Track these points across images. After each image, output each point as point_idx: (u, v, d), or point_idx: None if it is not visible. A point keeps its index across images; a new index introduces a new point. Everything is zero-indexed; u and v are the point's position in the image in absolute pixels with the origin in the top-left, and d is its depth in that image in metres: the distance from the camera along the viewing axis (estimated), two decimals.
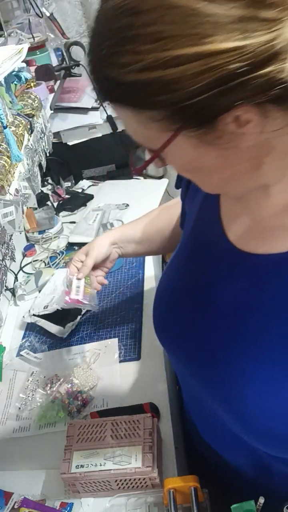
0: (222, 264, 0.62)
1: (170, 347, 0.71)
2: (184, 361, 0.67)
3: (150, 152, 0.52)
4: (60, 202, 1.77)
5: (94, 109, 1.80)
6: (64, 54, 1.92)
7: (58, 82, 1.69)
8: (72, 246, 1.54)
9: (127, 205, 1.64)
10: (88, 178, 1.91)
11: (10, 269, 1.42)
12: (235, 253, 0.60)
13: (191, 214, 0.72)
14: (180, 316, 0.68)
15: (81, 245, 1.53)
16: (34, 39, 1.58)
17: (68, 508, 0.83)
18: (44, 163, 1.38)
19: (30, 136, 1.23)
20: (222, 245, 0.62)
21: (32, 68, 1.51)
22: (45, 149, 1.41)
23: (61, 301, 0.93)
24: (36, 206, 1.68)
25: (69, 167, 1.89)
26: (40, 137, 1.35)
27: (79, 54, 1.91)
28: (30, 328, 1.25)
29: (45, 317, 1.22)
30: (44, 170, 1.62)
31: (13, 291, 1.38)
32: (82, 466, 0.81)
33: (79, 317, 1.24)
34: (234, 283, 0.60)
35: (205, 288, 0.64)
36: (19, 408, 1.04)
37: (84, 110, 1.79)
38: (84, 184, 1.86)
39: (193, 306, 0.66)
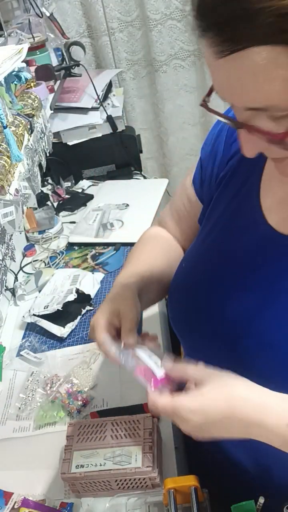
0: (261, 248, 0.62)
1: (198, 336, 0.69)
2: (217, 350, 0.66)
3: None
4: (60, 202, 1.77)
5: (94, 109, 1.80)
6: (64, 54, 1.92)
7: (58, 82, 1.69)
8: (72, 246, 1.54)
9: (127, 205, 1.64)
10: (88, 178, 1.91)
11: (10, 269, 1.42)
12: (276, 237, 0.60)
13: (220, 203, 0.71)
14: (209, 307, 0.67)
15: (81, 245, 1.54)
16: (34, 39, 1.58)
17: (68, 508, 0.83)
18: (44, 163, 1.38)
19: (30, 136, 1.23)
20: (261, 229, 0.62)
21: (32, 68, 1.51)
22: (45, 149, 1.41)
23: (141, 381, 0.70)
24: (36, 206, 1.68)
25: (69, 167, 1.89)
26: (40, 137, 1.34)
27: (79, 54, 1.91)
28: (30, 328, 1.25)
29: (45, 317, 1.22)
30: (44, 170, 1.62)
31: (13, 291, 1.38)
32: (82, 466, 0.81)
33: (79, 317, 1.24)
34: (274, 267, 0.60)
35: (242, 272, 0.64)
36: (19, 408, 1.04)
37: (84, 110, 1.79)
38: (84, 184, 1.86)
39: (225, 294, 0.65)
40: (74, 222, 1.65)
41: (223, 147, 0.71)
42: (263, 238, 0.62)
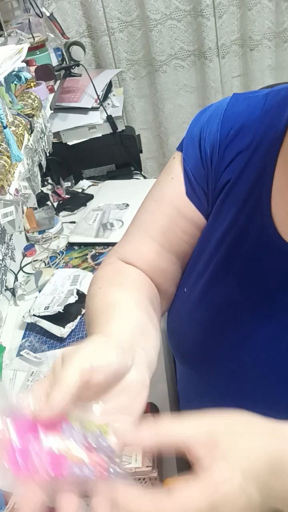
0: (280, 267, 0.57)
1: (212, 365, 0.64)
2: (234, 376, 0.62)
3: None
4: (60, 202, 1.77)
5: (94, 109, 1.80)
6: (64, 54, 1.92)
7: (58, 82, 1.69)
8: (72, 246, 1.54)
9: (127, 205, 1.64)
10: (88, 178, 1.91)
11: (10, 269, 1.42)
12: None
13: (220, 218, 0.63)
14: (233, 340, 0.61)
15: (81, 245, 1.54)
16: (34, 39, 1.58)
17: None
18: (44, 163, 1.38)
19: (30, 136, 1.23)
20: (275, 246, 0.57)
21: (32, 68, 1.51)
22: (45, 149, 1.41)
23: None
24: (36, 206, 1.68)
25: (69, 167, 1.89)
26: (40, 137, 1.34)
27: (79, 54, 1.91)
28: (30, 328, 1.25)
29: (45, 317, 1.22)
30: (44, 170, 1.62)
31: (13, 291, 1.38)
32: None
33: (79, 317, 1.24)
34: None
35: (260, 293, 0.59)
36: None
37: (84, 110, 1.79)
38: (84, 184, 1.86)
39: (245, 320, 0.60)
40: (74, 222, 1.65)
41: (217, 153, 0.63)
42: (277, 255, 0.56)
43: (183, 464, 0.88)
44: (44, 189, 1.82)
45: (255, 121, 0.61)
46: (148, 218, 0.68)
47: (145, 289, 0.64)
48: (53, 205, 1.73)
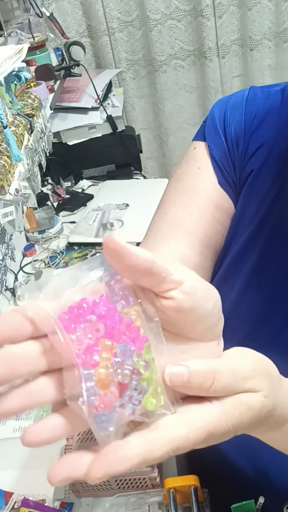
0: None
1: None
2: None
3: None
4: (60, 202, 1.77)
5: (94, 109, 1.80)
6: (64, 54, 1.92)
7: (58, 82, 1.69)
8: (72, 246, 1.54)
9: (127, 205, 1.64)
10: (88, 178, 1.91)
11: (10, 269, 1.42)
12: None
13: (245, 208, 0.61)
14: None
15: (81, 245, 1.54)
16: (34, 39, 1.58)
17: (68, 508, 0.83)
18: (44, 163, 1.38)
19: (30, 136, 1.23)
20: None
21: (32, 68, 1.52)
22: (45, 149, 1.41)
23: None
24: (36, 206, 1.68)
25: (69, 167, 1.89)
26: (40, 137, 1.34)
27: (79, 54, 1.91)
28: None
29: None
30: (44, 170, 1.62)
31: (13, 291, 1.38)
32: None
33: None
34: None
35: (271, 287, 0.58)
36: None
37: (84, 110, 1.79)
38: (84, 184, 1.86)
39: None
40: (74, 222, 1.65)
41: (242, 142, 0.61)
42: None
43: (183, 464, 0.88)
44: (44, 189, 1.82)
45: (275, 114, 0.60)
46: (181, 212, 0.62)
47: None
48: (53, 205, 1.73)
